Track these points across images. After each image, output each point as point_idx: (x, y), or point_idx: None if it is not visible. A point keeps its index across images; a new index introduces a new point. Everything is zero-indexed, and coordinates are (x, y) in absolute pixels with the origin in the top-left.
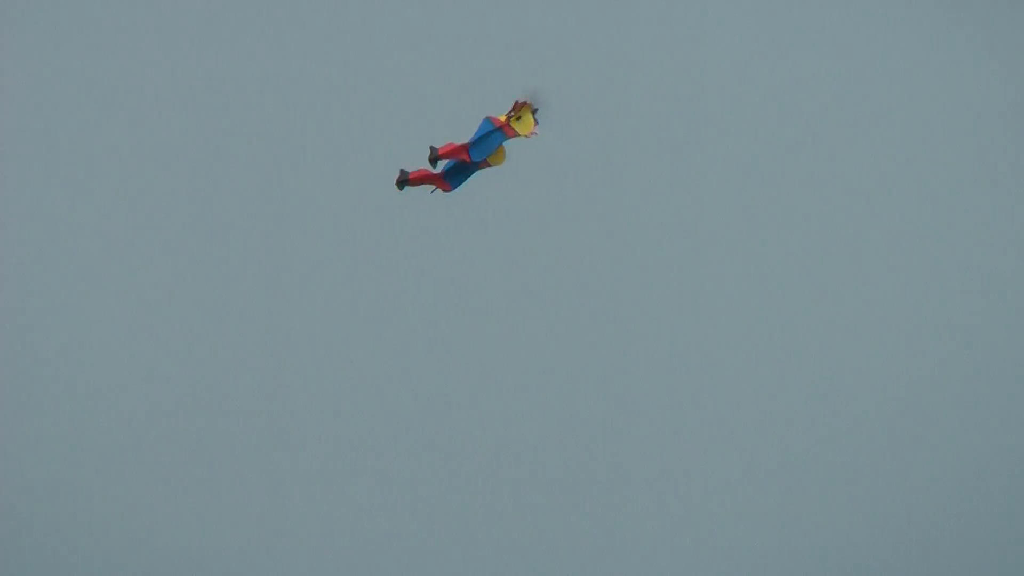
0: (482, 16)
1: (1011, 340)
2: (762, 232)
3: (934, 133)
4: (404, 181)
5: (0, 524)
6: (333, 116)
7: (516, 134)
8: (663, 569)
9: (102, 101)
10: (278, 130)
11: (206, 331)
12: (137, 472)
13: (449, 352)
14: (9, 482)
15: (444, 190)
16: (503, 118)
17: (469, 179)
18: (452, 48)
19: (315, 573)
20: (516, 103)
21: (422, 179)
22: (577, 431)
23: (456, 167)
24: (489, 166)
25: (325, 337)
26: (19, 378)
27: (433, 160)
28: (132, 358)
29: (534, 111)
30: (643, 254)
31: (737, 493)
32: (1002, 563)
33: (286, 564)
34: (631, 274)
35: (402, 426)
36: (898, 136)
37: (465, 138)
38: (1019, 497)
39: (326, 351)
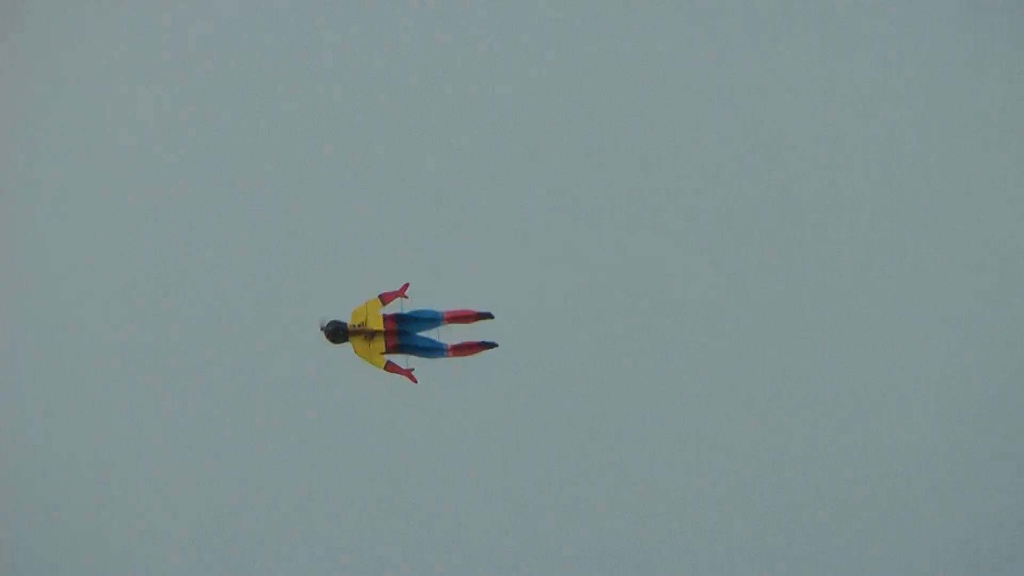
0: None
1: None
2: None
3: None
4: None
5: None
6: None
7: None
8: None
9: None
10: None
11: (203, 340)
12: (135, 475)
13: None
14: (8, 482)
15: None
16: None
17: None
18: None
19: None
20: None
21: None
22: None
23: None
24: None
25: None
26: (18, 379)
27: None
28: (130, 364)
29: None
30: (644, 262)
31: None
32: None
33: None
34: (628, 278)
35: (409, 428)
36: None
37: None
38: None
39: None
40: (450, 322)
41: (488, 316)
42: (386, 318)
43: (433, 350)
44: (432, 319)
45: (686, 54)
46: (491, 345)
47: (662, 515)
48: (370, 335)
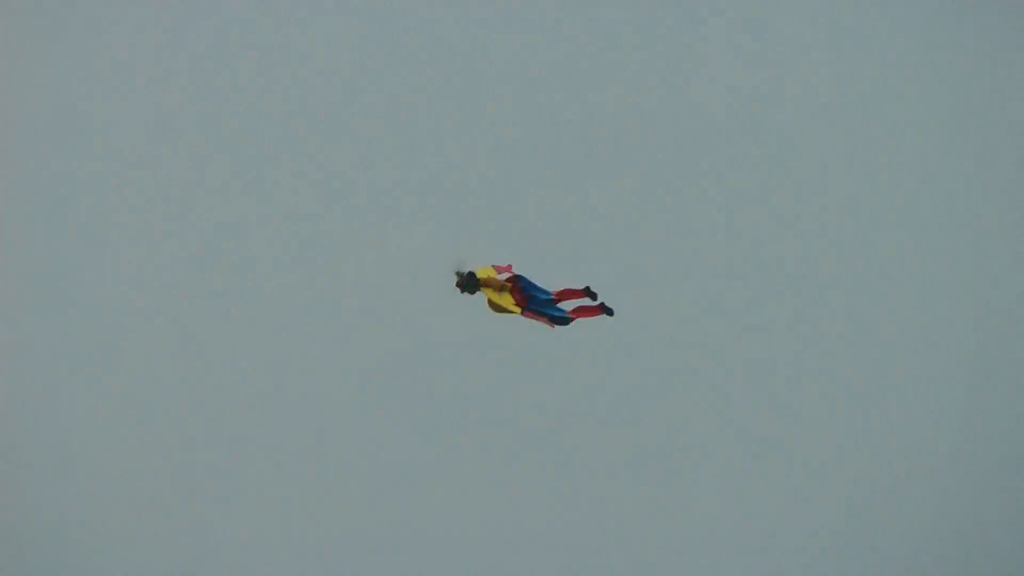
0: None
1: None
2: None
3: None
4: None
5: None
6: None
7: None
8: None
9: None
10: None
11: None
12: (134, 476)
13: (460, 365)
14: (8, 483)
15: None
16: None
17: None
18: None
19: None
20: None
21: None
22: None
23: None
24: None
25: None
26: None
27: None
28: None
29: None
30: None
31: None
32: None
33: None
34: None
35: (409, 430)
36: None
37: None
38: None
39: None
40: (560, 299)
41: (593, 293)
42: (508, 278)
43: (555, 309)
44: (543, 291)
45: (681, 48)
46: (609, 311)
47: (663, 513)
48: (499, 288)
